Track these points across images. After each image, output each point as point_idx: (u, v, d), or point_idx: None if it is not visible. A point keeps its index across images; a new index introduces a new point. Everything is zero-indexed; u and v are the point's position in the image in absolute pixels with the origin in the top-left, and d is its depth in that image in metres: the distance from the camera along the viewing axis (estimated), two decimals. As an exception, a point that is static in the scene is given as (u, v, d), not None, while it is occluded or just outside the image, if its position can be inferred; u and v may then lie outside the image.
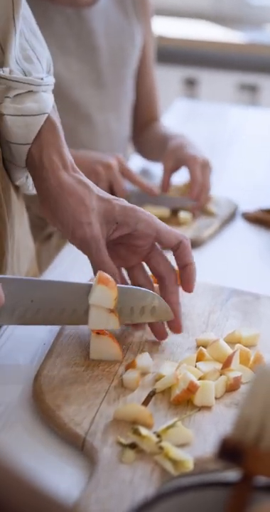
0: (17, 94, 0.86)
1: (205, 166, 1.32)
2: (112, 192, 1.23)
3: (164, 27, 2.67)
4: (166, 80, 2.71)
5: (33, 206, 1.14)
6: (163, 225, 0.87)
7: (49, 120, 0.87)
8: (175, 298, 0.86)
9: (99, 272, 0.81)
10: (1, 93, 0.85)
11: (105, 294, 0.79)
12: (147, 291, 0.84)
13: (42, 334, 0.87)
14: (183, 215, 1.25)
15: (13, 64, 0.86)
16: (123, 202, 0.86)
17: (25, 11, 0.90)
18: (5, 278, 0.78)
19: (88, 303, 0.80)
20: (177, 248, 0.86)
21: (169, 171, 1.34)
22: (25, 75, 0.87)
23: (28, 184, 0.94)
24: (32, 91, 0.87)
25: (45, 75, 0.90)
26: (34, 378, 0.78)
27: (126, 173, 1.25)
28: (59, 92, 0.95)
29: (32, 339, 0.86)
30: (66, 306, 0.81)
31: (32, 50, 0.89)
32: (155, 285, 0.89)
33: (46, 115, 0.87)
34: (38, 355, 0.83)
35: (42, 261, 1.27)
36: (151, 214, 0.87)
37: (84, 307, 0.81)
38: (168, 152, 1.36)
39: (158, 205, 1.26)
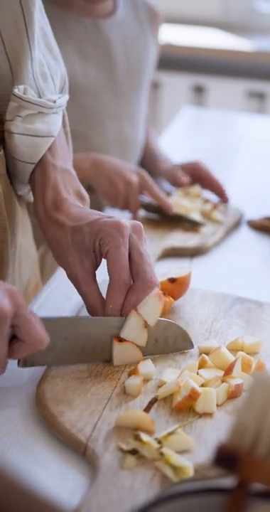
0: (28, 114, 0.87)
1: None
2: (128, 203, 1.28)
3: (172, 35, 2.68)
4: (174, 87, 2.72)
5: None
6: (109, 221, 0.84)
7: (42, 157, 0.89)
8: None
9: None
10: (13, 111, 0.86)
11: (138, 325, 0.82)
12: (170, 322, 0.85)
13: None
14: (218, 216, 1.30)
15: (29, 79, 0.87)
16: (92, 219, 0.84)
17: (43, 24, 0.91)
18: (43, 318, 0.76)
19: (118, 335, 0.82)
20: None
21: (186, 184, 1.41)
22: (39, 95, 0.89)
23: (30, 196, 0.95)
24: (43, 112, 0.88)
25: (57, 96, 0.91)
26: (37, 384, 0.79)
27: (147, 188, 1.28)
28: (74, 98, 0.96)
29: (36, 346, 0.87)
30: (97, 342, 0.82)
31: (47, 66, 0.91)
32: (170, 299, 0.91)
33: (53, 138, 0.88)
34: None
35: (47, 266, 1.28)
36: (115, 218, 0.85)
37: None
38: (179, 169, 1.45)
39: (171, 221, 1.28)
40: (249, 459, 0.49)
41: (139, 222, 0.85)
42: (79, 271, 0.84)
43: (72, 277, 0.85)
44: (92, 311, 0.84)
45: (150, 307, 0.81)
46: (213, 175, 1.41)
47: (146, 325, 0.82)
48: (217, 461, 0.50)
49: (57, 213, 0.87)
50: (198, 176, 1.41)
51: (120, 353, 0.82)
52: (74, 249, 0.84)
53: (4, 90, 0.87)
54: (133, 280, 0.83)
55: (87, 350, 0.81)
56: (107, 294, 0.83)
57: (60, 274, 1.08)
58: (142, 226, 0.85)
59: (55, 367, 0.81)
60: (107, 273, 0.83)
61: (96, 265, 0.85)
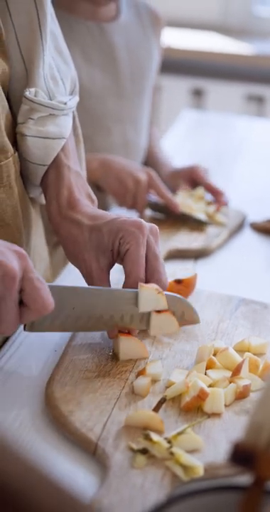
0: (40, 117, 0.87)
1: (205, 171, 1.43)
2: (135, 202, 1.30)
3: (172, 38, 2.69)
4: (174, 90, 2.73)
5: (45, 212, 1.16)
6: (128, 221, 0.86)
7: (56, 158, 0.89)
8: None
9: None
10: (25, 113, 0.87)
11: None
12: (176, 296, 0.86)
13: (53, 341, 0.88)
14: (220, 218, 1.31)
15: (40, 82, 0.87)
16: (111, 218, 0.86)
17: (54, 28, 0.91)
18: (51, 285, 0.77)
19: (131, 309, 0.83)
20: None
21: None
22: (50, 97, 0.89)
23: (42, 198, 0.96)
24: (54, 114, 0.88)
25: (68, 97, 0.92)
26: (46, 384, 0.79)
27: (154, 187, 1.30)
28: (79, 101, 0.97)
29: (44, 346, 0.88)
30: (105, 312, 0.82)
31: (57, 69, 0.91)
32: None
33: (65, 140, 0.89)
34: (49, 362, 0.85)
35: (54, 265, 1.28)
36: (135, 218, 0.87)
37: (127, 313, 0.83)
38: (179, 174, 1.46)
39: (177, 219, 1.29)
40: (266, 457, 0.50)
41: (155, 225, 0.86)
42: (95, 269, 0.85)
43: (87, 275, 0.86)
44: None
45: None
46: (209, 179, 1.42)
47: (158, 291, 0.82)
48: (234, 459, 0.50)
49: (73, 212, 0.88)
50: (196, 181, 1.42)
51: (126, 347, 0.83)
52: (90, 247, 0.85)
53: (19, 91, 0.87)
54: (147, 280, 0.84)
55: (93, 321, 0.82)
56: None
57: (66, 276, 1.09)
58: (158, 229, 0.86)
59: (65, 365, 0.81)
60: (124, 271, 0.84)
61: (112, 264, 0.86)
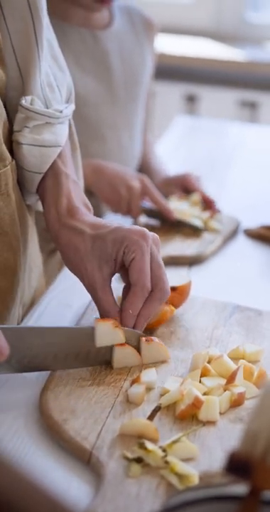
0: (35, 125, 0.87)
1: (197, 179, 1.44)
2: (130, 208, 1.30)
3: (165, 44, 2.69)
4: (167, 96, 2.73)
5: (40, 219, 1.16)
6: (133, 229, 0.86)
7: (54, 165, 0.89)
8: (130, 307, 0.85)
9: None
10: (21, 122, 0.87)
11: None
12: (133, 331, 0.85)
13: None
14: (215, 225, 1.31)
15: (36, 90, 0.87)
16: (113, 227, 0.86)
17: (49, 35, 0.91)
18: (4, 328, 0.77)
19: (88, 345, 0.82)
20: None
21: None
22: (46, 105, 0.89)
23: (39, 205, 0.95)
24: (50, 123, 0.88)
25: (64, 105, 0.91)
26: (41, 393, 0.79)
27: (148, 193, 1.30)
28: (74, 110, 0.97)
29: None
30: (60, 351, 0.82)
31: (53, 77, 0.91)
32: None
33: (60, 148, 0.89)
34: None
35: (48, 272, 1.28)
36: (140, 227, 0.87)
37: (83, 350, 0.82)
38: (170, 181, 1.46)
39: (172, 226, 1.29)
40: (262, 466, 0.50)
41: (156, 235, 0.87)
42: (98, 278, 0.84)
43: (89, 285, 0.85)
44: (106, 317, 0.85)
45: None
46: (201, 187, 1.41)
47: (116, 325, 0.82)
48: (230, 469, 0.50)
49: (73, 220, 0.87)
50: (187, 188, 1.42)
51: (120, 356, 0.83)
52: (93, 256, 0.85)
53: (16, 99, 0.87)
54: (151, 289, 0.84)
55: (50, 359, 0.81)
56: (128, 300, 0.84)
57: (60, 283, 1.08)
58: (159, 238, 0.87)
59: (59, 374, 0.81)
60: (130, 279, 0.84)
61: (114, 273, 0.86)
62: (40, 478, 0.52)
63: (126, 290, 0.86)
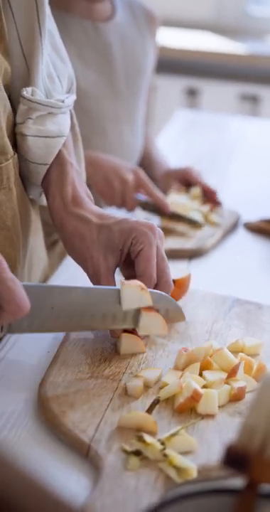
0: (38, 116, 0.87)
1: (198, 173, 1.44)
2: (124, 201, 1.30)
3: (166, 37, 2.68)
4: (168, 90, 2.73)
5: (41, 213, 1.16)
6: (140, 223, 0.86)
7: (59, 155, 0.89)
8: None
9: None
10: (24, 113, 0.86)
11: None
12: (161, 294, 0.85)
13: (46, 342, 0.88)
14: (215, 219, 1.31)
15: (39, 81, 0.87)
16: (120, 218, 0.86)
17: (50, 26, 0.91)
18: (27, 286, 0.75)
19: (113, 308, 0.82)
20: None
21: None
22: (47, 95, 0.89)
23: (42, 199, 0.95)
24: (52, 113, 0.88)
25: (65, 95, 0.91)
26: (39, 385, 0.79)
27: (143, 186, 1.30)
28: (75, 102, 0.97)
29: (36, 347, 0.87)
30: (86, 312, 0.81)
31: (53, 67, 0.91)
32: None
33: (64, 138, 0.88)
34: (42, 363, 0.84)
35: (50, 265, 1.28)
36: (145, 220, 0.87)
37: (109, 312, 0.82)
38: (169, 174, 1.46)
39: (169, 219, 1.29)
40: (259, 460, 0.50)
41: (160, 229, 0.87)
42: (103, 266, 0.85)
43: (93, 273, 0.85)
44: None
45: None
46: (202, 180, 1.41)
47: (142, 288, 0.82)
48: (227, 462, 0.50)
49: (79, 209, 0.87)
50: (189, 182, 1.42)
51: (127, 343, 0.84)
52: (99, 245, 0.85)
53: (20, 90, 0.87)
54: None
55: (75, 320, 0.81)
56: None
57: (61, 274, 1.08)
58: (162, 233, 0.88)
59: (57, 372, 0.81)
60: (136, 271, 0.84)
61: (118, 264, 0.86)
62: (38, 472, 0.52)
63: None
